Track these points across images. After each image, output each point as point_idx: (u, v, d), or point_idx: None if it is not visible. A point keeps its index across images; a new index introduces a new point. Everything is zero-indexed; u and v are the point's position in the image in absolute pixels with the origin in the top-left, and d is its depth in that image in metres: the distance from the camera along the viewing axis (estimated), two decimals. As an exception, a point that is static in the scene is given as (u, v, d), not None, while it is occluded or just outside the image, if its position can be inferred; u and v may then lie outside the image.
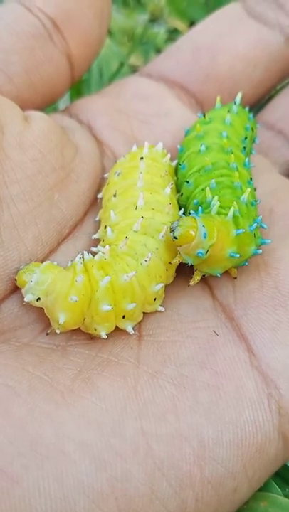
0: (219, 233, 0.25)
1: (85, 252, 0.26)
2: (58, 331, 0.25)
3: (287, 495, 0.26)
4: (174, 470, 0.21)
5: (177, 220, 0.25)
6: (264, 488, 0.26)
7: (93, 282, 0.24)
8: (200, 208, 0.26)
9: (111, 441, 0.21)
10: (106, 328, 0.25)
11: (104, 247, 0.26)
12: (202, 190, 0.27)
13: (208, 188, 0.27)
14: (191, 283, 0.26)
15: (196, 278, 0.26)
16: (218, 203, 0.26)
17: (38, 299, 0.24)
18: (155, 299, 0.26)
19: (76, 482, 0.20)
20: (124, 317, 0.25)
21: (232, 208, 0.26)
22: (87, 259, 0.25)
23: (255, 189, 0.29)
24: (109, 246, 0.26)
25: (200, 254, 0.24)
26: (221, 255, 0.25)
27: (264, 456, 0.23)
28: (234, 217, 0.26)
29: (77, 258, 0.25)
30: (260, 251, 0.27)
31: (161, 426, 0.22)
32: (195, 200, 0.27)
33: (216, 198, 0.26)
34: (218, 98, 0.33)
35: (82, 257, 0.25)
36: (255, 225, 0.26)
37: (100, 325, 0.25)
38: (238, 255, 0.25)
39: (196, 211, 0.26)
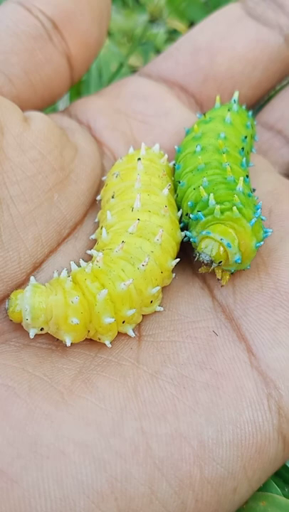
0: (238, 234, 0.26)
1: (72, 263, 0.26)
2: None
3: (286, 495, 0.26)
4: (174, 470, 0.21)
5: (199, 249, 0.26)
6: (264, 488, 0.26)
7: (90, 296, 0.24)
8: (200, 213, 0.26)
9: (110, 441, 0.21)
10: (110, 336, 0.25)
11: (98, 250, 0.26)
12: (194, 189, 0.27)
13: (201, 187, 0.27)
14: (224, 282, 0.27)
15: (226, 277, 0.27)
16: (218, 205, 0.26)
17: (42, 328, 0.24)
18: (152, 301, 0.26)
19: (76, 482, 0.20)
20: (124, 322, 0.25)
21: (234, 207, 0.26)
22: (76, 272, 0.25)
23: (254, 190, 0.29)
24: (102, 252, 0.25)
25: (238, 260, 0.26)
26: (249, 250, 0.26)
27: (264, 456, 0.23)
28: (239, 209, 0.26)
29: (63, 274, 0.25)
30: (269, 231, 0.27)
31: (161, 426, 0.22)
32: (190, 202, 0.27)
33: (212, 195, 0.26)
34: (217, 97, 0.33)
35: (68, 274, 0.25)
36: (259, 211, 0.27)
37: (104, 335, 0.25)
38: (261, 243, 0.26)
39: (193, 212, 0.26)
